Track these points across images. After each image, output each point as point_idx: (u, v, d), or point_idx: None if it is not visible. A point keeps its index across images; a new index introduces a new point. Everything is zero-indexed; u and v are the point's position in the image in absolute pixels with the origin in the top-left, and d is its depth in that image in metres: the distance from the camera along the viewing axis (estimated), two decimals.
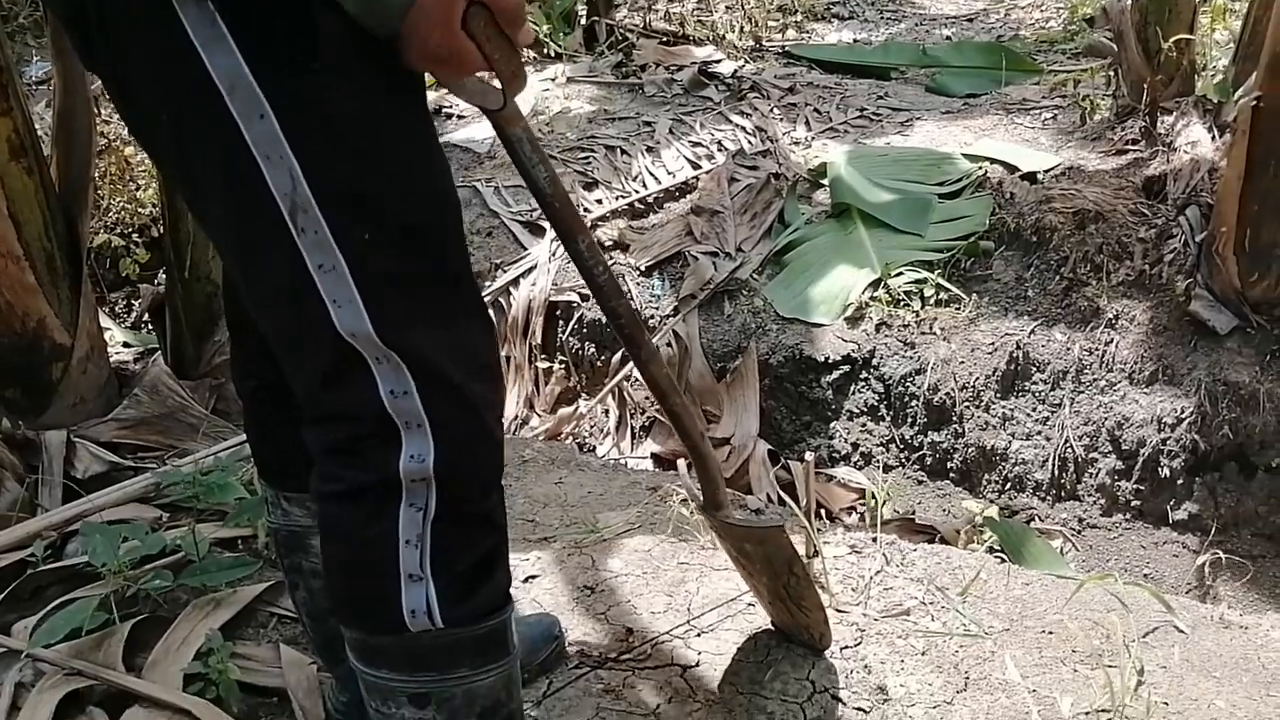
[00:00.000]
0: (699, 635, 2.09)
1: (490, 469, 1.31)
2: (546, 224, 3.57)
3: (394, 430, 1.20)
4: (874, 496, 2.81)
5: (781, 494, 3.12)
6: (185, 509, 2.33)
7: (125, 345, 3.85)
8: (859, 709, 1.90)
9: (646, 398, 3.62)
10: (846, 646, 2.07)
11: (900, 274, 3.54)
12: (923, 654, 2.04)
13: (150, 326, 3.75)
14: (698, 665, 2.01)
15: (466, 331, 1.26)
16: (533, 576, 2.31)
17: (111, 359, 3.11)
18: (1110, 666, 2.00)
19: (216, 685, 1.85)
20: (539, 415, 3.88)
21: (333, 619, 1.57)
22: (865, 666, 2.01)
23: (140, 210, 4.43)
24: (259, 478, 1.62)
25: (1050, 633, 2.16)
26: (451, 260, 1.26)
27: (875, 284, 3.57)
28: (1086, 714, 1.90)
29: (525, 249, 4.10)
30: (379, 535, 1.24)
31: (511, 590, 1.37)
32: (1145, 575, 3.07)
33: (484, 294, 3.76)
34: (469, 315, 1.27)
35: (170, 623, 1.99)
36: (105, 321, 3.98)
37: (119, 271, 4.35)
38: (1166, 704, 1.91)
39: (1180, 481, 3.07)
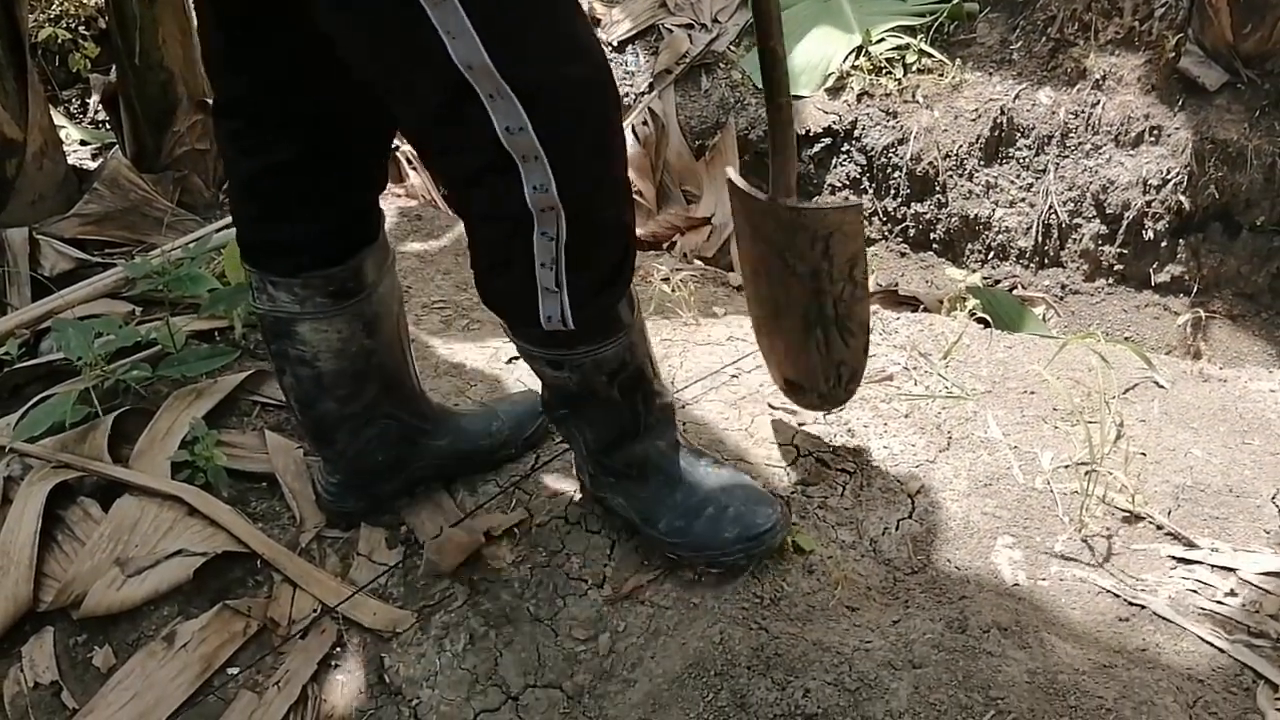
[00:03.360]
0: (683, 407, 2.09)
1: (613, 183, 1.38)
2: None
3: (511, 163, 1.25)
4: None
5: None
6: (157, 302, 2.29)
7: (82, 143, 3.72)
8: (843, 470, 1.93)
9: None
10: (829, 412, 2.08)
11: (882, 40, 3.41)
12: (906, 417, 2.06)
13: (108, 123, 3.62)
14: (682, 435, 2.02)
15: (580, 65, 1.26)
16: (515, 357, 2.30)
17: (70, 157, 3.01)
18: (1090, 422, 2.02)
19: (205, 472, 1.86)
20: None
21: (320, 403, 1.59)
22: (849, 430, 2.03)
23: (85, 1, 4.20)
24: (243, 261, 1.58)
25: (1032, 392, 2.17)
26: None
27: (856, 52, 3.44)
28: (1066, 466, 1.93)
29: None
30: (516, 257, 1.36)
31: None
32: (1127, 338, 3.09)
33: None
34: (583, 50, 1.27)
35: (152, 414, 1.98)
36: (60, 119, 3.84)
37: (69, 68, 4.16)
38: (1144, 454, 1.94)
39: (1164, 244, 3.05)
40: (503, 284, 1.44)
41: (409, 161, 3.73)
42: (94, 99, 3.95)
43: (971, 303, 3.03)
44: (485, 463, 1.91)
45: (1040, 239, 3.21)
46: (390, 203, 2.98)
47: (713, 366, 2.24)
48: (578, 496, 1.86)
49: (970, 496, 1.86)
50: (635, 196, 3.52)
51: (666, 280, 2.50)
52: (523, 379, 2.22)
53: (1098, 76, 3.15)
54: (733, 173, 1.85)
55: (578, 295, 1.40)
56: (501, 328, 1.57)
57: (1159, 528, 1.79)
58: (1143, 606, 1.62)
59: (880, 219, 3.40)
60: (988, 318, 3.06)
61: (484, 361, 2.29)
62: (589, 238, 1.37)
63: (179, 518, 1.78)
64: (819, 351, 1.80)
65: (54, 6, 4.17)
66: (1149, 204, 3.04)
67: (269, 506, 1.88)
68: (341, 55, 1.27)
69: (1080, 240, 3.16)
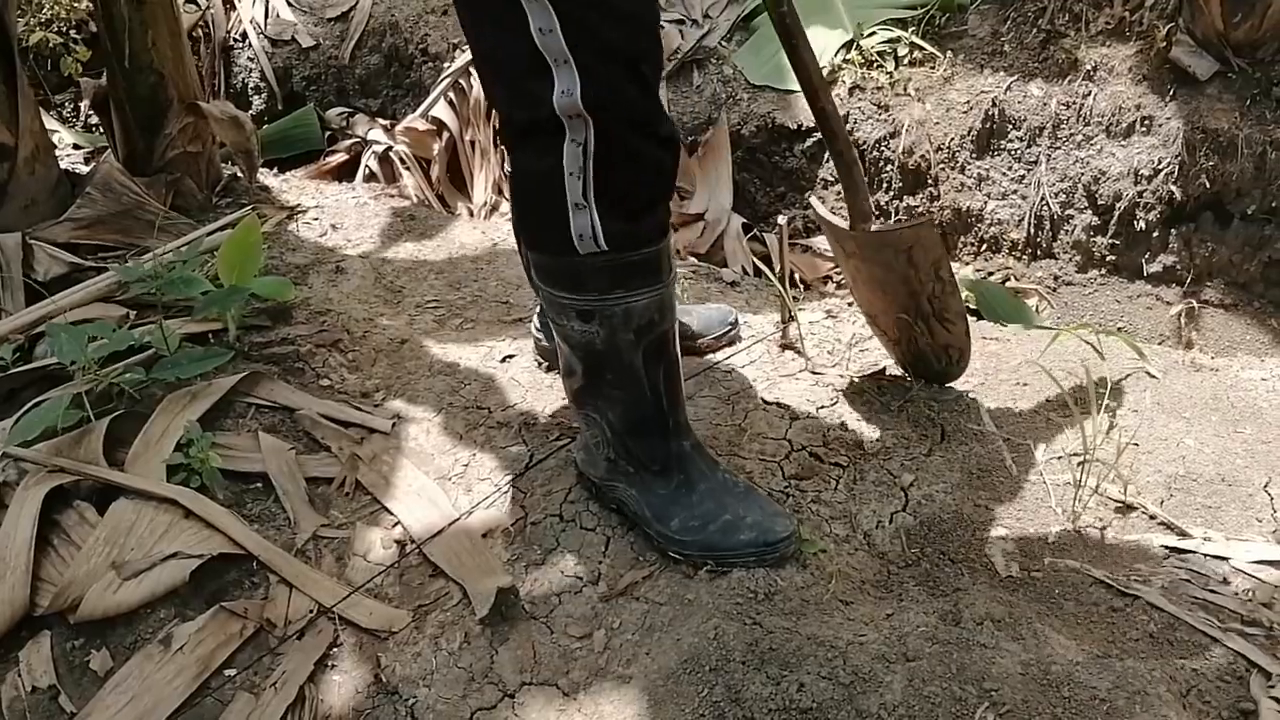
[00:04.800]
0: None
1: (642, 110, 1.45)
2: None
3: (545, 67, 1.37)
4: None
5: (758, 264, 3.09)
6: (150, 306, 2.29)
7: (76, 147, 3.72)
8: (836, 464, 1.93)
9: None
10: (823, 406, 2.09)
11: (873, 34, 3.41)
12: (899, 411, 2.06)
13: (100, 126, 3.62)
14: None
15: None
16: (510, 356, 2.30)
17: (63, 161, 3.01)
18: (1083, 413, 2.02)
19: (200, 474, 1.86)
20: (508, 199, 3.81)
21: None
22: (842, 424, 2.03)
23: (75, 4, 4.20)
24: None
25: (1025, 384, 2.18)
26: None
27: (848, 45, 3.44)
28: (1059, 458, 1.94)
29: None
30: (548, 169, 1.46)
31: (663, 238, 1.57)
32: (1120, 328, 3.09)
33: (444, 75, 3.63)
34: None
35: (147, 417, 1.98)
36: (52, 124, 3.84)
37: (61, 72, 4.16)
38: (1137, 445, 1.95)
39: (1156, 234, 3.06)
40: (536, 206, 1.55)
41: (402, 162, 3.73)
42: (85, 103, 3.95)
43: (963, 295, 3.04)
44: None
45: (1033, 231, 3.21)
46: (383, 203, 2.98)
47: (705, 364, 2.24)
48: (573, 494, 1.86)
49: (963, 489, 1.87)
50: None
51: None
52: (517, 378, 2.23)
53: (1089, 67, 3.15)
54: (816, 203, 2.08)
55: (608, 215, 1.48)
56: (534, 286, 1.67)
57: (1152, 518, 1.79)
58: (1136, 597, 1.62)
59: (883, 220, 3.39)
60: (979, 310, 3.07)
61: (478, 360, 2.29)
62: (618, 155, 1.44)
63: (175, 520, 1.78)
64: (925, 339, 2.03)
65: (45, 10, 4.17)
66: (1140, 194, 3.04)
67: (264, 508, 1.88)
68: None
69: (1072, 231, 3.17)
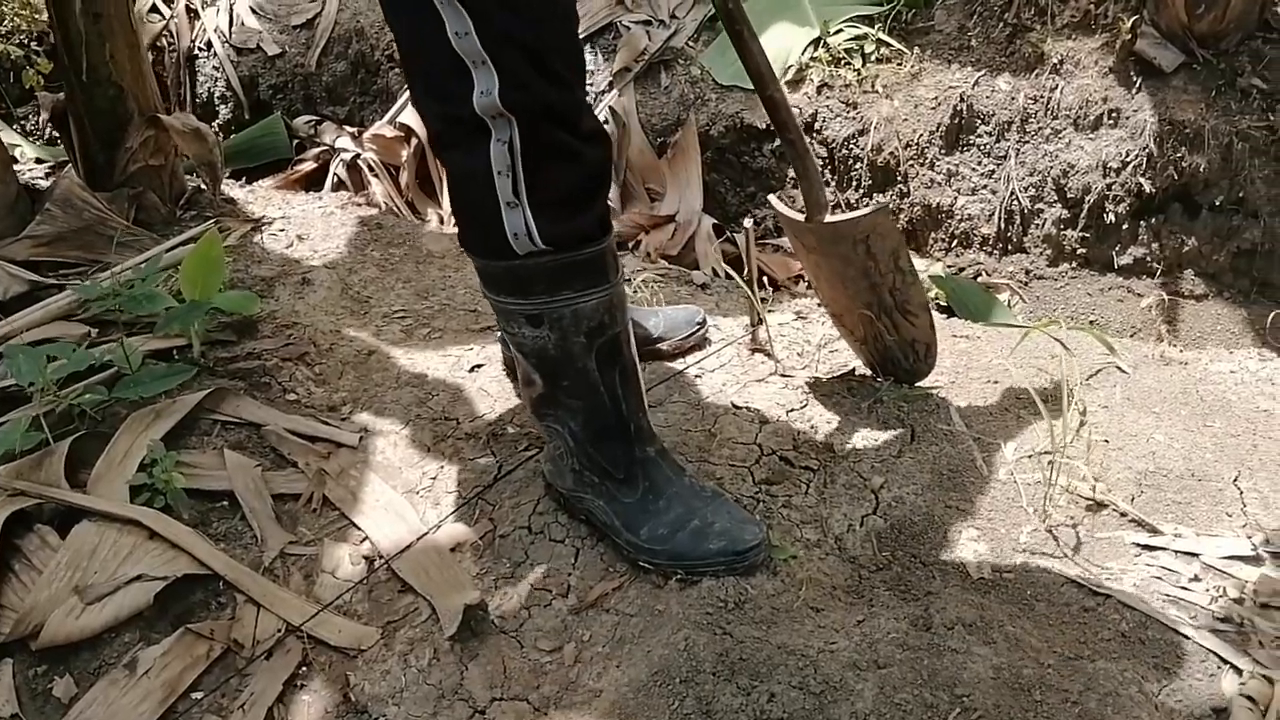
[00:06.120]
0: (648, 407, 2.08)
1: (561, 106, 1.46)
2: None
3: (464, 68, 1.40)
4: None
5: (728, 270, 3.08)
6: (112, 323, 2.26)
7: (38, 161, 3.68)
8: (806, 468, 1.92)
9: None
10: (793, 409, 2.08)
11: (840, 31, 3.40)
12: (869, 412, 2.06)
13: (61, 141, 3.57)
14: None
15: None
16: (478, 365, 2.28)
17: (23, 176, 2.97)
18: (1053, 410, 2.02)
19: (164, 494, 1.84)
20: None
21: None
22: (812, 426, 2.02)
23: (37, 16, 4.15)
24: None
25: (995, 382, 2.18)
26: None
27: (815, 43, 3.43)
28: (1029, 456, 1.93)
29: None
30: (476, 169, 1.47)
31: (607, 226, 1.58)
32: (1092, 322, 3.09)
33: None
34: None
35: (109, 438, 1.96)
36: (14, 137, 3.80)
37: (23, 84, 4.11)
38: (1106, 441, 1.94)
39: (1125, 226, 3.05)
40: (470, 208, 1.55)
41: (370, 169, 3.71)
42: (44, 116, 3.90)
43: (934, 292, 3.04)
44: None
45: (1003, 225, 3.21)
46: (350, 212, 2.95)
47: (676, 367, 2.23)
48: (541, 505, 1.84)
49: (934, 490, 1.86)
50: None
51: (629, 281, 2.48)
52: (485, 388, 2.21)
53: (1055, 61, 3.15)
54: (774, 199, 2.07)
55: (542, 212, 1.49)
56: (483, 292, 1.64)
57: (1123, 515, 1.79)
58: (1108, 596, 1.62)
59: (843, 211, 3.38)
60: (951, 306, 3.07)
61: (446, 370, 2.27)
62: (544, 152, 1.46)
63: (139, 542, 1.76)
64: (891, 335, 2.01)
65: (5, 22, 4.12)
66: (1110, 187, 3.04)
67: (230, 527, 1.86)
68: None
69: (1043, 225, 3.17)
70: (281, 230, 2.82)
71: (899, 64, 3.33)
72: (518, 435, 2.04)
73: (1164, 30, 3.02)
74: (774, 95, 1.75)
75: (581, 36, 3.62)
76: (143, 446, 1.92)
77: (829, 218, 1.88)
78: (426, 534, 1.83)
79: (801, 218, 1.90)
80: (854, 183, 3.35)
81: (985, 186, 3.22)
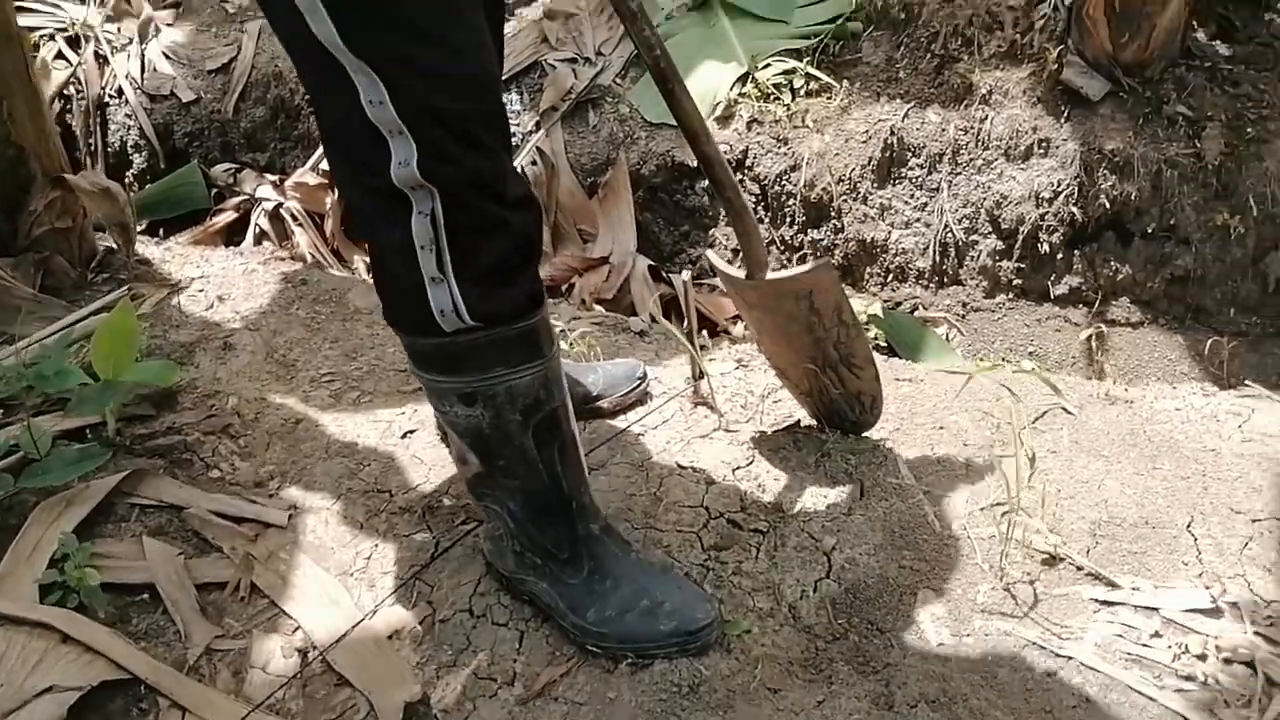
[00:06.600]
0: (590, 472, 2.01)
1: (485, 175, 1.38)
2: None
3: (381, 138, 1.31)
4: None
5: (669, 327, 3.04)
6: (18, 403, 2.14)
7: None
8: (756, 530, 1.86)
9: None
10: (739, 467, 2.02)
11: (768, 65, 3.37)
12: (816, 467, 2.00)
13: None
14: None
15: (434, 50, 1.30)
16: (411, 431, 2.20)
17: None
18: (1004, 457, 1.99)
19: (77, 592, 1.72)
20: None
21: None
22: (759, 485, 1.97)
23: None
24: None
25: (941, 427, 2.14)
26: None
27: (743, 78, 3.39)
28: (982, 509, 1.89)
29: None
30: (397, 243, 1.39)
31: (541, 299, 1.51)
32: (1030, 353, 3.08)
33: None
34: (436, 36, 1.30)
35: (17, 530, 1.84)
36: None
37: None
38: (1059, 490, 1.91)
39: (1060, 256, 3.05)
40: (393, 283, 1.46)
41: (294, 218, 3.60)
42: None
43: (873, 332, 3.02)
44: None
45: (938, 258, 3.20)
46: (274, 268, 2.84)
47: (617, 425, 2.16)
48: (483, 585, 1.76)
49: (887, 549, 1.81)
50: None
51: (565, 334, 2.41)
52: (419, 455, 2.12)
53: (984, 91, 3.15)
54: (712, 255, 2.02)
55: (469, 287, 1.41)
56: (412, 370, 1.56)
57: (1079, 568, 1.76)
58: (1070, 658, 1.58)
59: (778, 247, 3.35)
60: (890, 343, 3.05)
61: (377, 438, 2.18)
62: (468, 223, 1.38)
63: (50, 647, 1.64)
64: (836, 388, 1.98)
65: None
66: (1043, 217, 3.04)
67: (152, 622, 1.75)
68: None
69: (978, 257, 3.16)
70: (201, 291, 2.70)
71: (828, 97, 3.31)
72: (454, 508, 1.95)
73: (1089, 59, 3.03)
74: (708, 152, 1.69)
75: (506, 77, 3.56)
76: (53, 539, 1.80)
77: (771, 275, 1.83)
78: (362, 620, 1.74)
79: (742, 274, 1.85)
80: (787, 219, 3.31)
81: (919, 219, 3.20)
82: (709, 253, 2.07)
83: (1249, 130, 2.86)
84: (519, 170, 1.50)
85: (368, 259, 1.54)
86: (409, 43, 1.28)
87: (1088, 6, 2.95)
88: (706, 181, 3.32)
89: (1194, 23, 3.06)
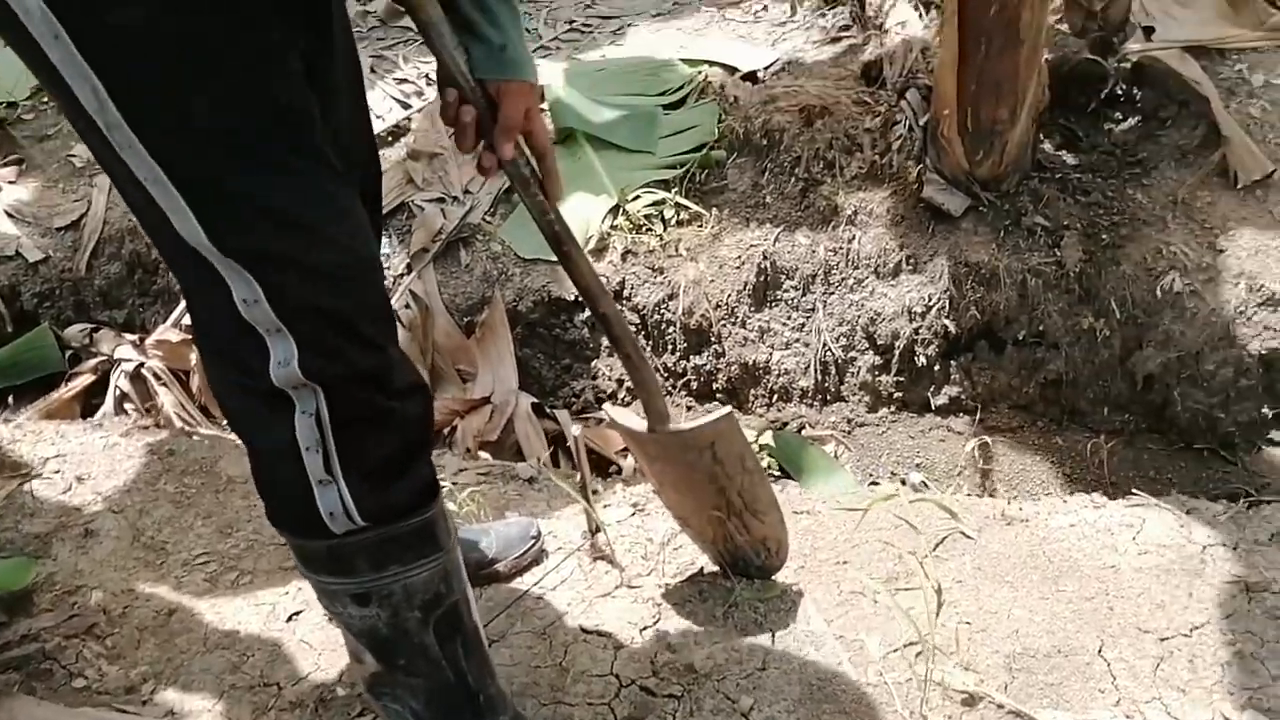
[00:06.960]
0: (490, 645, 1.91)
1: (369, 368, 1.30)
2: None
3: (258, 337, 1.23)
4: None
5: (550, 470, 2.98)
6: None
7: None
8: (670, 695, 1.79)
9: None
10: (646, 626, 1.95)
11: (638, 197, 3.39)
12: (725, 619, 1.95)
13: None
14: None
15: (302, 240, 1.22)
16: (296, 613, 2.07)
17: None
18: (908, 589, 1.96)
19: None
20: None
21: None
22: (669, 646, 1.90)
23: None
24: None
25: (844, 561, 2.11)
26: (275, 157, 1.19)
27: (614, 210, 3.40)
28: (895, 651, 1.86)
29: None
30: (281, 446, 1.30)
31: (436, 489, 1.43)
32: (918, 465, 3.11)
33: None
34: (306, 227, 1.22)
35: None
36: None
37: None
38: (969, 623, 1.89)
39: (937, 367, 3.11)
40: (275, 486, 1.37)
41: (157, 377, 3.44)
42: None
43: (766, 461, 3.00)
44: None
45: (819, 377, 3.22)
46: (136, 439, 2.69)
47: (516, 590, 2.07)
48: None
49: (806, 704, 1.76)
50: None
51: (451, 493, 2.32)
52: (307, 639, 2.00)
53: (849, 212, 3.21)
54: (610, 409, 1.97)
55: (360, 487, 1.33)
56: (300, 570, 1.45)
57: (1000, 706, 1.73)
58: None
59: (662, 375, 3.34)
60: (780, 464, 3.04)
61: (260, 623, 2.05)
62: (356, 420, 1.30)
63: None
64: (741, 535, 1.94)
65: None
66: (917, 331, 3.09)
67: None
68: None
69: (858, 373, 3.19)
70: (57, 473, 2.53)
71: (699, 225, 3.34)
72: (349, 698, 1.83)
73: (948, 176, 3.12)
74: (605, 312, 1.66)
75: None
76: None
77: (673, 427, 1.79)
78: None
79: (643, 427, 1.81)
80: (669, 347, 3.31)
81: (798, 340, 3.23)
82: (608, 407, 2.03)
83: (1104, 237, 2.97)
84: (405, 356, 1.41)
85: (256, 485, 1.41)
86: (281, 236, 1.21)
87: (942, 127, 3.05)
88: (586, 314, 3.30)
89: (1040, 135, 3.19)
